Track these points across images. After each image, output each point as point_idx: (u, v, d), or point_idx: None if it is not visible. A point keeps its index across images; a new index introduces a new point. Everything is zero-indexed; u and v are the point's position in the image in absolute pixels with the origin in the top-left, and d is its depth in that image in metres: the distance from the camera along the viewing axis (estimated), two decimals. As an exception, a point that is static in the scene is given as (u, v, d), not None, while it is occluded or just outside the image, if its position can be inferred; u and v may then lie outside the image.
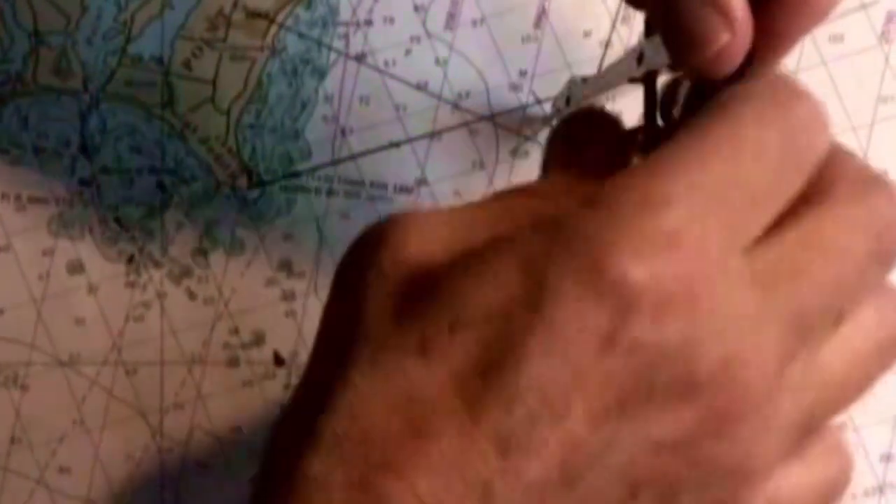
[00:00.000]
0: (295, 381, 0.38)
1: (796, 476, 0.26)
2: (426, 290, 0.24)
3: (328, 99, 0.38)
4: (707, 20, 0.25)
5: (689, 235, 0.23)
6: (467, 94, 0.38)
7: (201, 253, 0.38)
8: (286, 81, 0.38)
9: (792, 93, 0.25)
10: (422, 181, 0.38)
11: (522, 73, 0.38)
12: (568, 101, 0.36)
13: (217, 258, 0.38)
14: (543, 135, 0.38)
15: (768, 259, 0.25)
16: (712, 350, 0.24)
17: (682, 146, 0.24)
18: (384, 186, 0.38)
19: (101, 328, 0.38)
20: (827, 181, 0.25)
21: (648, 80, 0.29)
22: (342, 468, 0.23)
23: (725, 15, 0.25)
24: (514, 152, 0.38)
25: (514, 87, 0.38)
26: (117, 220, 0.38)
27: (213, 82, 0.38)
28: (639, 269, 0.23)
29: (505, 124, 0.38)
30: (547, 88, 0.38)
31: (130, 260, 0.38)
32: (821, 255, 0.25)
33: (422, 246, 0.25)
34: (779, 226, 0.25)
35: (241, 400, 0.38)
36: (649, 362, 0.23)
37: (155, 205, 0.38)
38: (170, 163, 0.38)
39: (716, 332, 0.24)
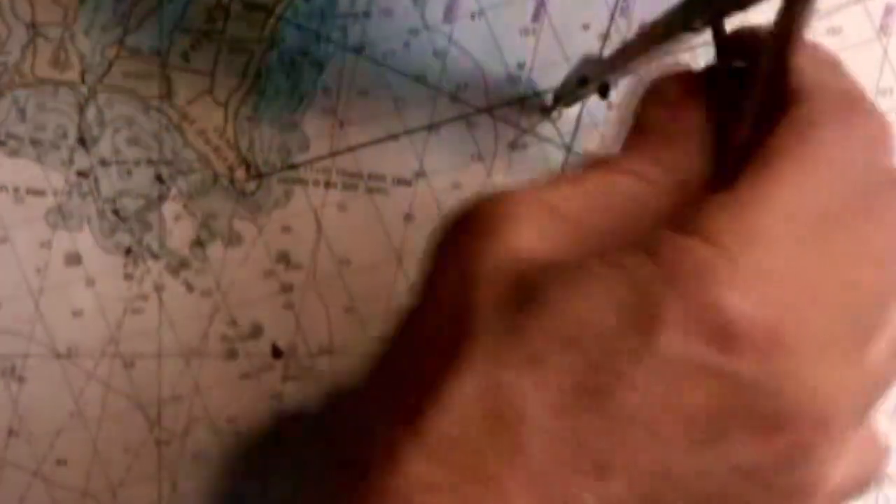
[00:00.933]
0: (294, 372, 0.38)
1: (844, 470, 0.27)
2: (536, 297, 0.24)
3: (326, 91, 0.38)
4: None
5: (792, 272, 0.24)
6: (465, 87, 0.38)
7: (199, 245, 0.38)
8: (284, 73, 0.38)
9: (864, 111, 0.26)
10: (420, 173, 0.38)
11: (521, 66, 0.38)
12: (584, 80, 0.35)
13: (215, 250, 0.38)
14: (542, 127, 0.38)
15: (840, 280, 0.25)
16: (807, 385, 0.24)
17: (775, 177, 0.25)
18: (382, 178, 0.38)
19: (99, 320, 0.38)
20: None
21: (716, 25, 0.29)
22: (446, 473, 0.24)
23: None
24: (513, 144, 0.38)
25: (513, 80, 0.38)
26: (115, 212, 0.38)
27: (212, 74, 0.38)
28: (746, 305, 0.24)
29: (503, 116, 0.38)
30: (545, 81, 0.38)
31: (128, 252, 0.38)
32: (874, 265, 0.26)
33: (532, 242, 0.25)
34: None
35: (239, 392, 0.38)
36: (748, 395, 0.24)
37: (153, 197, 0.38)
38: (168, 155, 0.38)
39: (811, 366, 0.24)
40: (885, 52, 0.39)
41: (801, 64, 0.27)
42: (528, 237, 0.25)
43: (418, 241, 0.38)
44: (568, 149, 0.38)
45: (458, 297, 0.25)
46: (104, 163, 0.38)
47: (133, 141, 0.38)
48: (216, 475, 0.37)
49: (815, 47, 0.28)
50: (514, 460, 0.24)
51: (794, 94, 0.27)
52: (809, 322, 0.25)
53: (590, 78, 0.36)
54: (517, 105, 0.38)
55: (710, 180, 0.27)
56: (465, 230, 0.26)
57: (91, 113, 0.38)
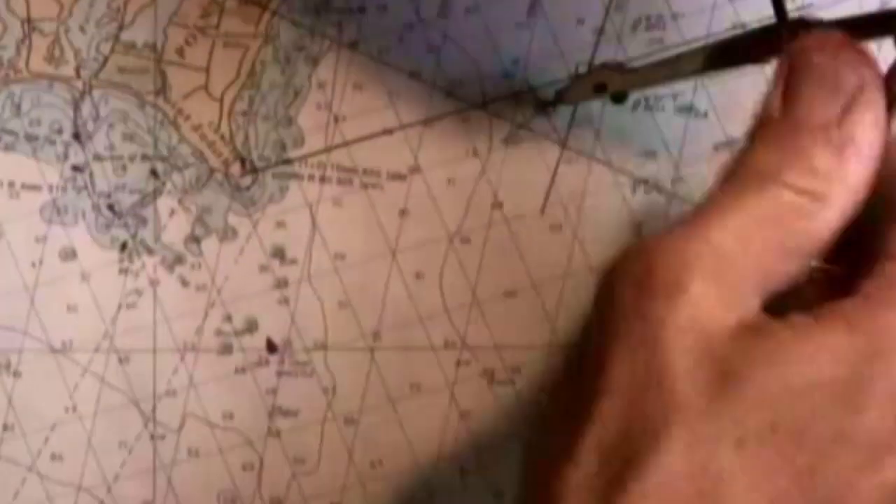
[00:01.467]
0: (289, 367, 0.38)
1: None
2: (737, 374, 0.24)
3: (321, 86, 0.38)
4: None
5: None
6: (460, 82, 0.38)
7: (194, 240, 0.38)
8: (279, 68, 0.38)
9: None
10: (415, 168, 0.38)
11: (516, 61, 0.38)
12: (602, 87, 0.35)
13: (210, 245, 0.38)
14: (537, 122, 0.38)
15: None
16: None
17: None
18: (377, 173, 0.38)
19: (94, 315, 0.38)
20: None
21: None
22: None
23: None
24: (508, 139, 0.38)
25: (508, 75, 0.38)
26: (110, 207, 0.38)
27: (207, 69, 0.38)
28: None
29: (498, 111, 0.38)
30: (540, 76, 0.38)
31: (123, 247, 0.38)
32: None
33: (715, 300, 0.24)
34: None
35: (233, 387, 0.38)
36: None
37: (148, 192, 0.38)
38: (163, 150, 0.38)
39: None
40: (879, 49, 0.39)
41: None
42: (709, 296, 0.24)
43: (413, 235, 0.38)
44: (563, 144, 0.38)
45: (651, 360, 0.24)
46: (99, 158, 0.38)
47: (128, 136, 0.38)
48: (211, 470, 0.37)
49: None
50: None
51: None
52: None
53: (608, 86, 0.36)
54: (512, 100, 0.38)
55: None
56: (647, 281, 0.25)
57: (86, 108, 0.38)
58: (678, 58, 0.34)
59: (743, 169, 0.26)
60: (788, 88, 0.26)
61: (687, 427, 0.24)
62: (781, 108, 0.26)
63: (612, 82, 0.36)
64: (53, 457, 0.37)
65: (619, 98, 0.37)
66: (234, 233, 0.38)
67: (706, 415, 0.24)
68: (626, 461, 0.24)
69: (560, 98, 0.37)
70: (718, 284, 0.24)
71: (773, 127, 0.26)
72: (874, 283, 0.25)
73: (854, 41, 0.27)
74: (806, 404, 0.24)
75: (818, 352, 0.24)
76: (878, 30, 0.27)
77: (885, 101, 0.26)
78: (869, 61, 0.26)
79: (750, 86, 0.31)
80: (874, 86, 0.26)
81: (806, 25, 0.28)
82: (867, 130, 0.25)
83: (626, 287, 0.25)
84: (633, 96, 0.38)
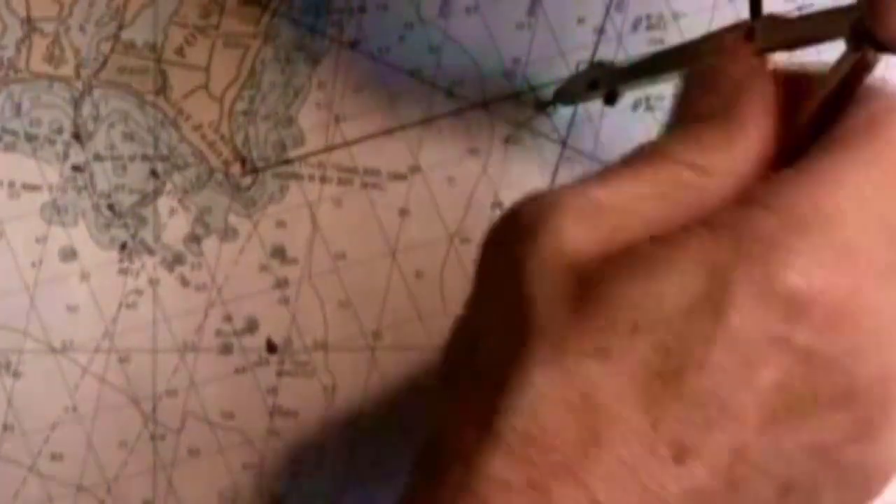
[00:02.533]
0: (289, 367, 0.38)
1: None
2: (599, 289, 0.24)
3: (321, 86, 0.38)
4: None
5: (861, 249, 0.24)
6: (461, 81, 0.38)
7: (194, 240, 0.38)
8: (279, 68, 0.38)
9: None
10: (415, 168, 0.38)
11: (516, 61, 0.38)
12: (595, 85, 0.35)
13: (210, 245, 0.38)
14: (537, 122, 0.38)
15: None
16: (873, 362, 0.25)
17: (846, 158, 0.25)
18: (377, 173, 0.38)
19: (94, 315, 0.38)
20: None
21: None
22: (523, 470, 0.23)
23: None
24: (508, 139, 0.38)
25: (508, 75, 0.38)
26: (110, 207, 0.38)
27: (207, 69, 0.38)
28: (817, 280, 0.24)
29: (498, 111, 0.38)
30: (541, 75, 0.38)
31: (123, 247, 0.38)
32: None
33: (583, 235, 0.25)
34: None
35: (233, 387, 0.38)
36: (818, 371, 0.24)
37: (148, 192, 0.38)
38: (163, 150, 0.38)
39: (878, 344, 0.25)
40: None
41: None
42: (577, 231, 0.25)
43: (413, 235, 0.38)
44: (563, 143, 0.38)
45: (515, 296, 0.25)
46: (99, 158, 0.38)
47: (128, 136, 0.38)
48: (211, 470, 0.37)
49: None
50: (590, 452, 0.23)
51: (866, 88, 0.26)
52: (879, 304, 0.25)
53: (600, 84, 0.36)
54: (513, 100, 0.38)
55: (770, 167, 0.27)
56: (514, 229, 0.26)
57: (86, 108, 0.38)
58: (660, 56, 0.33)
59: (637, 152, 0.27)
60: (682, 92, 0.29)
61: (550, 343, 0.24)
62: (678, 105, 0.28)
63: (603, 80, 0.36)
64: (53, 456, 0.37)
65: (610, 100, 0.37)
66: (235, 233, 0.38)
67: (568, 329, 0.24)
68: (497, 386, 0.24)
69: (557, 97, 0.37)
70: (592, 227, 0.25)
71: (668, 125, 0.28)
72: (749, 191, 0.25)
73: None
74: (667, 308, 0.24)
75: (679, 257, 0.24)
76: (834, 23, 0.27)
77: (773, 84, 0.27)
78: (750, 51, 0.28)
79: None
80: (761, 69, 0.28)
81: (776, 21, 0.29)
82: (752, 110, 0.27)
83: (496, 237, 0.26)
84: (634, 96, 0.38)
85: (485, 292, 0.27)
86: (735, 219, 0.24)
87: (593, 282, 0.24)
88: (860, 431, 0.25)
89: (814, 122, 0.27)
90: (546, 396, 0.24)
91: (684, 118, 0.28)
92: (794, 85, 0.28)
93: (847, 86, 0.27)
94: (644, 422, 0.24)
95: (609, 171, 0.27)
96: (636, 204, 0.26)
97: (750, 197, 0.25)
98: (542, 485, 0.23)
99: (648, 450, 0.24)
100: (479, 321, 0.26)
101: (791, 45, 0.29)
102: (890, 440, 0.26)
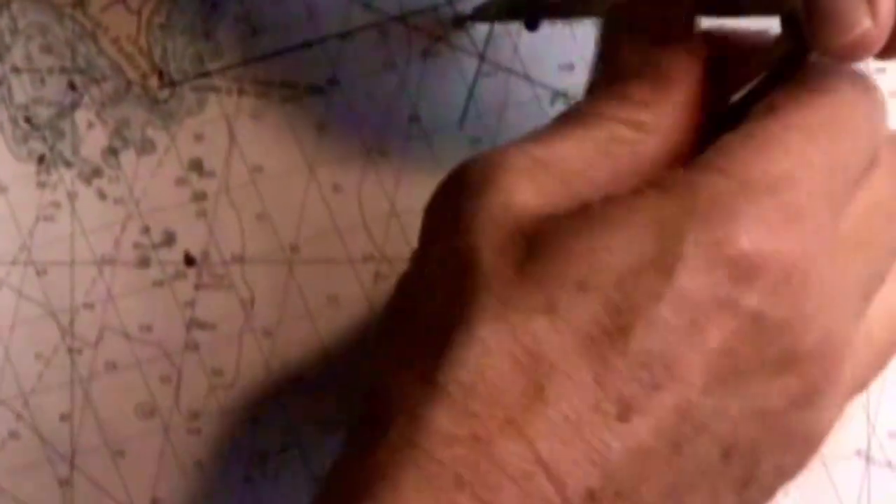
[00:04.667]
0: (207, 280, 0.38)
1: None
2: (547, 245, 0.24)
3: (240, -1, 0.38)
4: (849, 2, 0.25)
5: (808, 215, 0.25)
6: (379, -6, 0.38)
7: (112, 153, 0.38)
8: (199, -19, 0.38)
9: (869, 83, 0.27)
10: (333, 81, 0.38)
11: (435, -25, 0.38)
12: (516, 13, 0.36)
13: (128, 158, 0.38)
14: (455, 36, 0.38)
15: (850, 229, 0.26)
16: (817, 327, 0.25)
17: (791, 124, 0.25)
18: (296, 86, 0.38)
19: (11, 227, 0.37)
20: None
21: None
22: (467, 424, 0.24)
23: (870, 1, 0.25)
24: (426, 52, 0.38)
25: (427, -11, 0.38)
26: (28, 120, 0.38)
27: (125, -18, 0.38)
28: (766, 244, 0.24)
29: (416, 24, 0.38)
30: (458, -11, 0.38)
31: (41, 160, 0.38)
32: (886, 220, 0.27)
33: (529, 193, 0.25)
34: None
35: (151, 300, 0.38)
36: (764, 335, 0.24)
37: (66, 104, 0.38)
38: (81, 62, 0.38)
39: (822, 309, 0.25)
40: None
41: None
42: (523, 189, 0.25)
43: (331, 149, 0.38)
44: (481, 57, 0.38)
45: (461, 253, 0.25)
46: (16, 70, 0.38)
47: (46, 49, 0.38)
48: (128, 383, 0.37)
49: None
50: (535, 407, 0.23)
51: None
52: (825, 267, 0.25)
53: (520, 11, 0.36)
54: (431, 13, 0.38)
55: (708, 123, 0.27)
56: (459, 187, 0.26)
57: (4, 21, 0.38)
58: None
59: (570, 112, 0.28)
60: (606, 44, 0.29)
61: (496, 298, 0.24)
62: (601, 64, 0.29)
63: (524, 8, 0.36)
64: (-30, 369, 0.37)
65: (531, 25, 0.37)
66: (152, 145, 0.38)
67: (514, 284, 0.24)
68: (442, 341, 0.24)
69: (474, 17, 0.37)
70: (537, 185, 0.25)
71: (596, 81, 0.29)
72: (697, 154, 0.26)
73: None
74: (616, 266, 0.24)
75: (629, 216, 0.24)
76: (771, 3, 0.28)
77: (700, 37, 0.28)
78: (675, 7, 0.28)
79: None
80: (681, 23, 0.28)
81: None
82: (678, 62, 0.27)
83: (442, 196, 0.27)
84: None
85: (431, 249, 0.27)
86: (685, 181, 0.25)
87: (541, 238, 0.24)
88: (803, 396, 0.25)
89: (755, 88, 0.28)
90: (491, 350, 0.24)
91: (614, 72, 0.28)
92: (724, 48, 0.28)
93: (787, 60, 0.27)
94: (589, 378, 0.24)
95: (549, 131, 0.27)
96: (578, 162, 0.26)
97: (699, 160, 0.25)
98: (485, 438, 0.23)
99: (592, 406, 0.24)
100: (425, 278, 0.26)
101: (727, 13, 0.29)
102: (830, 405, 0.26)
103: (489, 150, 0.26)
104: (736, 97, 0.29)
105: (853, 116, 0.26)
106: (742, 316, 0.24)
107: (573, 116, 0.27)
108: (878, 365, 0.28)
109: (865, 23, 0.25)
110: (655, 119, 0.27)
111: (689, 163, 0.25)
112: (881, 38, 0.25)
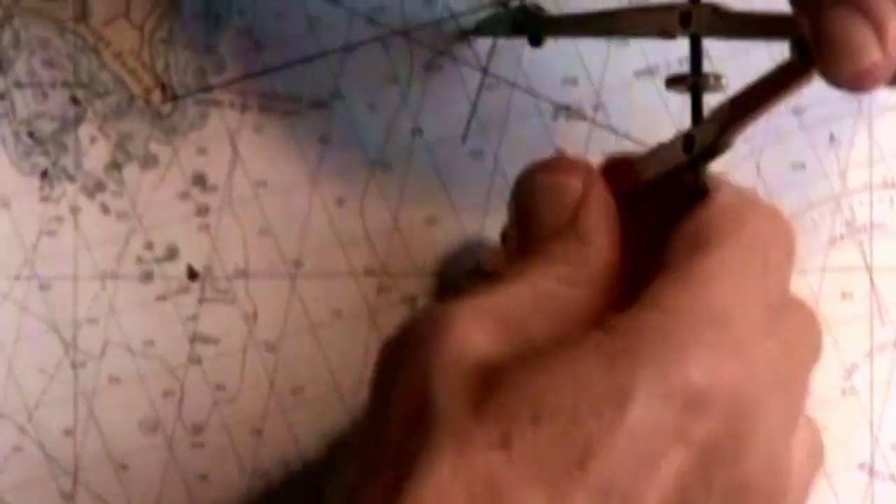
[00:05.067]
0: (209, 294, 0.38)
1: None
2: (500, 385, 0.25)
3: (242, 13, 0.38)
4: (858, 34, 0.25)
5: (751, 344, 0.26)
6: (381, 8, 0.38)
7: (115, 167, 0.38)
8: (200, -5, 0.38)
9: (780, 213, 0.29)
10: (335, 95, 0.38)
11: (437, -12, 0.38)
12: (520, 28, 0.36)
13: (131, 172, 0.38)
14: (457, 49, 0.38)
15: (778, 361, 0.27)
16: (763, 455, 0.26)
17: (724, 256, 0.27)
18: (298, 100, 0.38)
19: (14, 242, 0.37)
20: None
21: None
22: None
23: (879, 31, 0.25)
24: (428, 66, 0.38)
25: (429, 2, 0.38)
26: (31, 134, 0.38)
27: (127, -4, 0.38)
28: (714, 374, 0.25)
29: (419, 38, 0.38)
30: (461, 2, 0.38)
31: (44, 174, 0.38)
32: (802, 354, 0.28)
33: (480, 340, 0.26)
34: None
35: (154, 314, 0.38)
36: (713, 464, 0.25)
37: (69, 119, 0.38)
38: (83, 77, 0.38)
39: (768, 437, 0.26)
40: None
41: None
42: (473, 336, 0.26)
43: (334, 162, 0.38)
44: (484, 71, 0.38)
45: (417, 397, 0.26)
46: (19, 85, 0.38)
47: (49, 63, 0.38)
48: (131, 397, 0.37)
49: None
50: None
51: (714, 181, 0.29)
52: (769, 397, 0.26)
53: (524, 28, 0.36)
54: (433, 27, 0.38)
55: (631, 268, 0.29)
56: (412, 336, 0.27)
57: (6, 35, 0.38)
58: (591, 17, 0.34)
59: (499, 276, 0.29)
60: (521, 212, 0.31)
61: (452, 436, 0.25)
62: (517, 232, 0.31)
63: (528, 24, 0.36)
64: (-27, 384, 0.37)
65: (535, 41, 0.37)
66: (155, 160, 0.38)
67: (469, 422, 0.25)
68: (402, 476, 0.25)
69: (477, 31, 0.37)
70: (486, 333, 0.26)
71: (513, 236, 0.31)
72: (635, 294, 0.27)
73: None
74: (567, 399, 0.24)
75: (579, 356, 0.25)
76: (779, 29, 0.28)
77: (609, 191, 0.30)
78: (583, 165, 0.30)
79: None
80: (594, 181, 0.30)
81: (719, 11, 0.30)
82: (594, 218, 0.29)
83: (395, 345, 0.28)
84: (554, 23, 0.38)
85: (385, 393, 0.27)
86: (630, 320, 0.26)
87: (493, 380, 0.25)
88: None
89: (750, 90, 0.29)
90: (451, 488, 0.24)
91: (532, 231, 0.30)
92: (628, 171, 0.31)
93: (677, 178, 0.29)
94: None
95: (488, 288, 0.28)
96: (520, 312, 0.27)
97: (641, 299, 0.26)
98: None
99: None
100: (384, 422, 0.27)
101: (732, 35, 0.30)
102: None
103: (436, 305, 0.28)
104: (732, 96, 0.30)
105: (777, 247, 0.28)
106: (693, 446, 0.25)
107: (511, 273, 0.29)
108: (800, 498, 0.29)
109: (874, 54, 0.25)
110: (580, 272, 0.28)
111: (631, 303, 0.26)
112: (890, 70, 0.25)
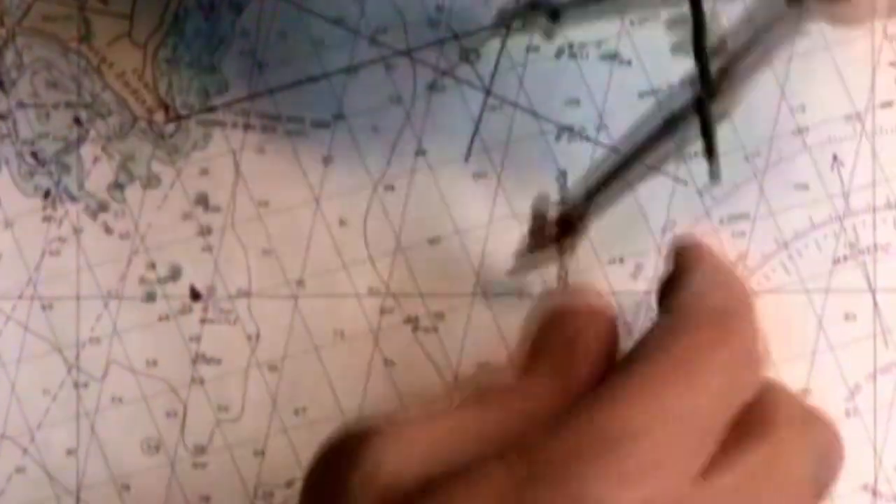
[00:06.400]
0: (212, 314, 0.38)
1: None
2: (412, 499, 0.25)
3: (245, 33, 0.38)
4: None
5: (659, 466, 0.25)
6: (384, 29, 0.38)
7: (118, 187, 0.38)
8: (203, 16, 0.38)
9: (730, 327, 0.28)
10: (339, 116, 0.38)
11: (440, 9, 0.38)
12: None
13: (133, 192, 0.38)
14: (460, 70, 0.38)
15: (724, 487, 0.26)
16: None
17: (647, 373, 0.26)
18: (301, 121, 0.38)
19: (17, 262, 0.38)
20: (769, 414, 0.28)
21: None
22: None
23: None
24: (431, 87, 0.38)
25: (432, 23, 0.38)
26: (33, 155, 0.38)
27: (130, 17, 0.38)
28: (620, 493, 0.25)
29: (422, 59, 0.38)
30: (464, 23, 0.38)
31: (46, 194, 0.38)
32: (772, 485, 0.27)
33: (395, 466, 0.26)
34: (725, 455, 0.27)
35: (157, 334, 0.38)
36: None
37: (71, 139, 0.38)
38: (86, 97, 0.38)
39: None
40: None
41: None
42: (390, 463, 0.26)
43: (337, 183, 0.38)
44: (487, 91, 0.38)
45: None
46: (22, 105, 0.38)
47: (51, 84, 0.38)
48: (134, 418, 0.37)
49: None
50: None
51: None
52: None
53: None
54: (436, 48, 0.38)
55: None
56: (332, 460, 0.28)
57: (9, 56, 0.38)
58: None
59: (479, 390, 0.29)
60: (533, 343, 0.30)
61: None
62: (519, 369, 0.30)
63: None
64: (-24, 404, 0.37)
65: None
66: (158, 180, 0.38)
67: None
68: None
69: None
70: (403, 456, 0.27)
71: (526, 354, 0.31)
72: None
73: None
74: None
75: (470, 485, 0.25)
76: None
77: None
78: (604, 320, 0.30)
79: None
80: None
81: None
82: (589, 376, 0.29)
83: (319, 465, 0.28)
84: (557, 43, 0.38)
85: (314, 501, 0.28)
86: (527, 446, 0.26)
87: (405, 500, 0.26)
88: None
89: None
90: None
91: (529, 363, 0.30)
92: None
93: None
94: None
95: (437, 409, 0.28)
96: (451, 438, 0.27)
97: (558, 420, 0.26)
98: None
99: None
100: None
101: None
102: None
103: (361, 422, 0.28)
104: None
105: (711, 364, 0.27)
106: None
107: (480, 396, 0.29)
108: None
109: None
110: (546, 414, 0.28)
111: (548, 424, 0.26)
112: None
